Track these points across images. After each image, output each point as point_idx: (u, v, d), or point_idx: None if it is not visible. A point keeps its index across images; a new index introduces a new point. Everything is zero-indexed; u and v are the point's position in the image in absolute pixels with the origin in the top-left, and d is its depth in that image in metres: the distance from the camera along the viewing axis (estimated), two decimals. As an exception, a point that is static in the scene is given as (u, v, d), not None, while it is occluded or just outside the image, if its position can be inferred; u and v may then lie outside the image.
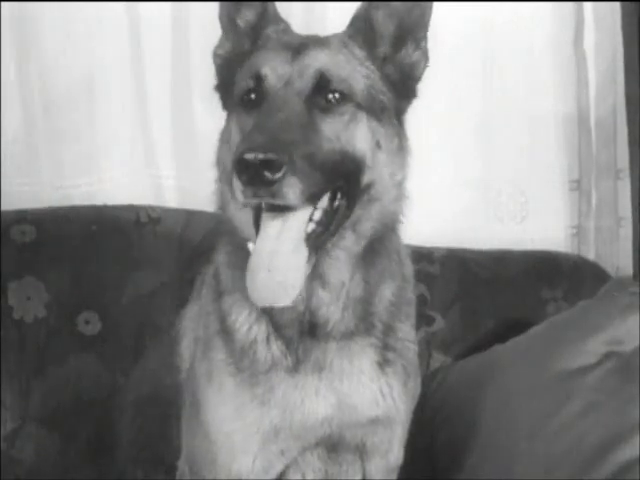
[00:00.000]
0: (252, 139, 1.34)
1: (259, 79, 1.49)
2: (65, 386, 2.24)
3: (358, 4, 1.57)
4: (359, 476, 1.68)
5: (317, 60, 1.48)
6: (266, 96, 1.46)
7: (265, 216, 1.41)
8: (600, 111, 2.79)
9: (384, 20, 1.54)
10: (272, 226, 1.40)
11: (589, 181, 2.82)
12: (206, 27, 2.50)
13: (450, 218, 2.71)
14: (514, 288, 2.51)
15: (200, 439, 1.61)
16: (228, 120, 1.58)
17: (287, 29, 1.63)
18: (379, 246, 1.56)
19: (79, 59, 2.55)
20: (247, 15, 1.64)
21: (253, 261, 1.40)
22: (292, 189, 1.32)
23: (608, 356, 1.88)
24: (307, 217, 1.41)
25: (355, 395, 1.57)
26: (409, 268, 1.69)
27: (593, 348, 1.90)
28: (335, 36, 1.57)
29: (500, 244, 2.65)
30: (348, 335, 1.56)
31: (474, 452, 1.97)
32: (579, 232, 2.83)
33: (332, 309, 1.53)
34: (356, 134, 1.46)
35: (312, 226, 1.42)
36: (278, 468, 1.59)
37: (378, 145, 1.49)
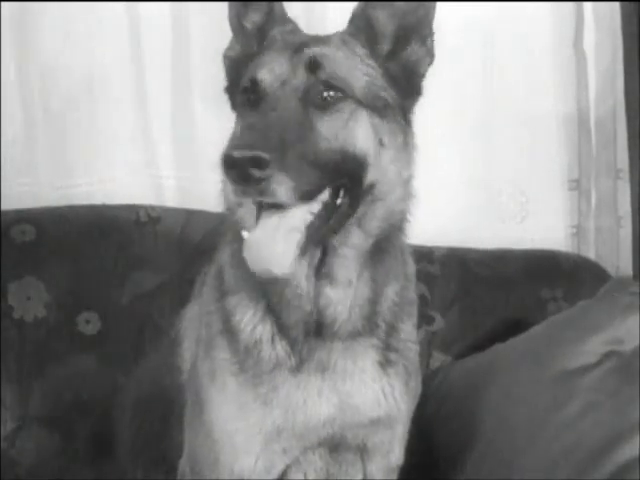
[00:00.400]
0: (241, 137, 1.34)
1: (256, 81, 1.48)
2: (65, 386, 2.24)
3: (356, 3, 1.56)
4: (360, 476, 1.68)
5: (311, 51, 1.47)
6: (264, 96, 1.46)
7: (264, 213, 1.40)
8: (600, 111, 2.79)
9: (384, 19, 1.52)
10: (269, 220, 1.38)
11: (589, 181, 2.82)
12: (206, 27, 2.52)
13: (450, 217, 2.71)
14: (514, 288, 2.51)
15: (202, 438, 1.61)
16: (236, 121, 1.58)
17: (295, 30, 1.62)
18: (386, 245, 1.55)
19: (79, 59, 2.55)
20: (254, 17, 1.63)
21: (249, 240, 1.39)
22: (281, 187, 1.30)
23: (608, 356, 1.88)
24: (305, 214, 1.39)
25: (357, 395, 1.57)
26: (412, 268, 1.69)
27: (593, 348, 1.90)
28: (336, 34, 1.56)
29: (500, 244, 2.65)
30: (353, 335, 1.55)
31: (474, 452, 1.97)
32: (579, 232, 2.83)
33: (340, 308, 1.52)
34: (356, 132, 1.45)
35: (310, 218, 1.40)
36: (280, 468, 1.59)
37: (381, 143, 1.47)
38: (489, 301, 2.48)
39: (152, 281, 2.35)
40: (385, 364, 1.60)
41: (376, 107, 1.48)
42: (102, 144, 2.59)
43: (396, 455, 1.68)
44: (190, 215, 2.44)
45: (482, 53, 2.72)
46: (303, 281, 1.51)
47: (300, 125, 1.39)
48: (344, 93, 1.45)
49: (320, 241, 1.46)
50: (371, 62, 1.51)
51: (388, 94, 1.50)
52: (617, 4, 2.67)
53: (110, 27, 2.54)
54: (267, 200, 1.34)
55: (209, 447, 1.59)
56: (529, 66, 2.74)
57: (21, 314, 2.26)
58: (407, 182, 1.53)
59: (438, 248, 2.54)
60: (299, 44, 1.51)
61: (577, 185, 2.82)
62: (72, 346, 2.28)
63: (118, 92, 2.58)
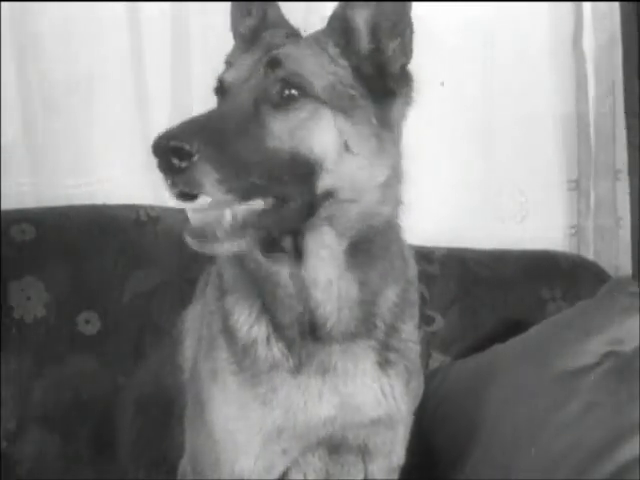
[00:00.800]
0: (172, 128, 1.32)
1: (221, 81, 1.50)
2: (65, 386, 2.24)
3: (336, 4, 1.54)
4: (361, 476, 1.68)
5: (276, 51, 1.46)
6: (226, 95, 1.47)
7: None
8: (599, 111, 2.79)
9: (360, 17, 1.49)
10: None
11: (588, 181, 2.82)
12: (206, 27, 2.52)
13: (450, 218, 2.71)
14: (513, 288, 2.51)
15: (203, 438, 1.61)
16: None
17: (289, 33, 1.61)
18: (371, 247, 1.52)
19: (79, 59, 2.55)
20: (250, 22, 1.64)
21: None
22: (206, 178, 1.29)
23: (608, 356, 1.88)
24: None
25: (358, 396, 1.57)
26: (413, 270, 1.68)
27: (593, 348, 1.90)
28: (312, 34, 1.55)
29: (499, 244, 2.65)
30: (350, 337, 1.55)
31: (474, 452, 1.97)
32: (578, 232, 2.83)
33: (329, 309, 1.52)
34: (315, 133, 1.40)
35: (250, 210, 1.37)
36: (280, 468, 1.60)
37: (346, 147, 1.42)
38: (489, 301, 2.48)
39: (152, 281, 2.35)
40: (385, 364, 1.60)
41: (342, 107, 1.43)
42: (102, 144, 2.59)
43: (397, 455, 1.69)
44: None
45: (482, 53, 2.72)
46: (288, 280, 1.51)
47: (247, 121, 1.37)
48: (304, 91, 1.41)
49: (271, 231, 1.42)
50: (342, 61, 1.48)
51: (358, 93, 1.46)
52: (616, 4, 2.67)
53: (110, 27, 2.54)
54: (193, 191, 1.32)
55: (210, 447, 1.60)
56: (528, 66, 2.74)
57: (21, 314, 2.26)
58: (387, 186, 1.48)
59: (438, 248, 2.54)
60: (273, 46, 1.50)
61: (576, 185, 2.82)
62: (72, 346, 2.28)
63: (118, 92, 2.58)
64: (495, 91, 2.74)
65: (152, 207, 2.45)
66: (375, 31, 1.49)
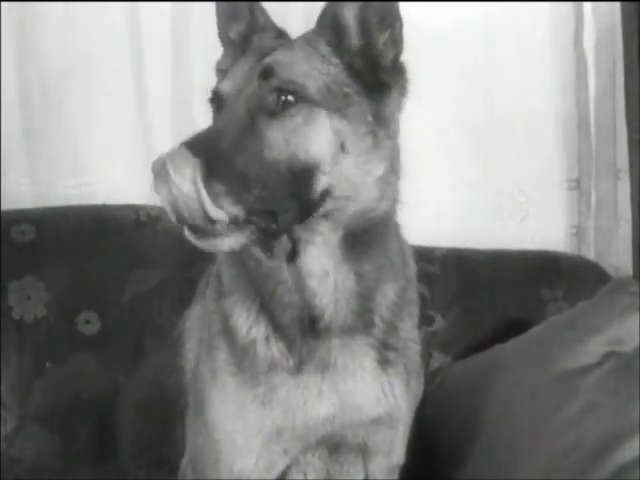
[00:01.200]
0: (172, 148, 1.32)
1: (217, 91, 1.50)
2: (65, 386, 2.24)
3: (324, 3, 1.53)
4: (361, 476, 1.68)
5: (269, 59, 1.45)
6: (222, 106, 1.47)
7: None
8: (600, 111, 2.79)
9: (349, 12, 1.48)
10: None
11: (589, 181, 2.82)
12: (206, 27, 2.51)
13: (450, 218, 2.71)
14: (514, 288, 2.51)
15: (203, 438, 1.62)
16: None
17: (278, 35, 1.62)
18: (367, 240, 1.52)
19: (79, 59, 2.55)
20: (238, 27, 1.63)
21: None
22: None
23: (608, 356, 1.87)
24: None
25: (357, 394, 1.57)
26: (412, 269, 1.69)
27: (593, 348, 1.90)
28: (303, 35, 1.54)
29: (500, 244, 2.64)
30: (349, 332, 1.55)
31: (474, 452, 1.97)
32: (579, 232, 2.83)
33: (325, 300, 1.52)
34: (312, 135, 1.40)
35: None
36: (280, 468, 1.60)
37: (343, 148, 1.42)
38: (489, 301, 2.48)
39: (152, 281, 2.35)
40: (384, 363, 1.60)
41: (337, 107, 1.43)
42: (102, 144, 2.59)
43: (397, 454, 1.69)
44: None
45: (482, 52, 2.72)
46: (287, 274, 1.51)
47: (244, 135, 1.37)
48: (298, 96, 1.40)
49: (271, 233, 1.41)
50: (334, 59, 1.48)
51: (352, 90, 1.46)
52: (617, 4, 2.67)
53: (110, 27, 2.54)
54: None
55: (210, 447, 1.60)
56: (529, 66, 2.74)
57: (21, 314, 2.26)
58: (384, 181, 1.48)
59: (438, 248, 2.54)
60: (266, 50, 1.50)
61: (577, 185, 2.82)
62: (72, 346, 2.28)
63: (118, 92, 2.58)
64: (495, 90, 2.74)
65: (152, 207, 2.45)
66: (365, 26, 1.48)
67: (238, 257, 1.58)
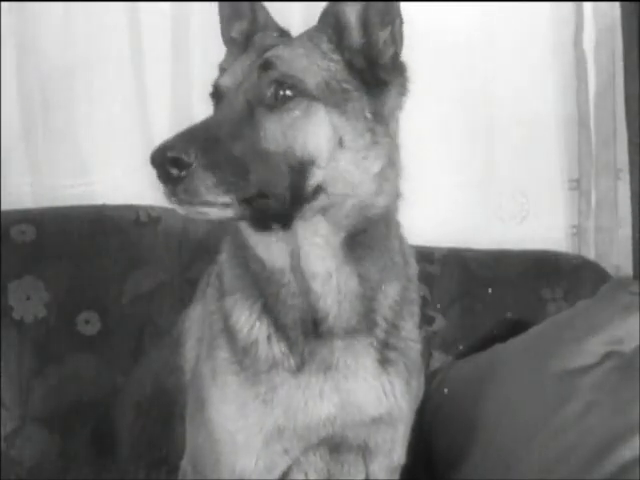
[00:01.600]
0: (170, 138, 1.34)
1: (217, 86, 1.51)
2: (65, 386, 2.24)
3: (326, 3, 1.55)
4: (362, 476, 1.68)
5: (269, 53, 1.47)
6: (221, 100, 1.48)
7: None
8: (600, 111, 2.79)
9: (350, 9, 1.49)
10: None
11: (589, 181, 2.82)
12: (206, 27, 2.52)
13: (450, 218, 2.71)
14: (514, 288, 2.51)
15: (204, 438, 1.61)
16: None
17: (281, 35, 1.62)
18: (369, 240, 1.52)
19: (79, 59, 2.55)
20: (240, 26, 1.65)
21: None
22: (203, 185, 1.30)
23: (608, 356, 1.88)
24: None
25: (358, 394, 1.57)
26: (414, 269, 1.69)
27: (593, 348, 1.90)
28: (305, 32, 1.55)
29: (500, 244, 2.65)
30: (351, 332, 1.55)
31: (474, 452, 1.97)
32: (579, 232, 2.83)
33: (329, 302, 1.52)
34: (309, 130, 1.41)
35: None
36: (281, 468, 1.59)
37: (341, 143, 1.43)
38: (489, 301, 2.48)
39: (152, 281, 2.35)
40: (385, 362, 1.60)
41: (336, 102, 1.44)
42: (102, 144, 2.59)
43: (398, 454, 1.68)
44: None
45: (481, 53, 2.72)
46: (290, 275, 1.51)
47: (242, 125, 1.39)
48: (296, 90, 1.42)
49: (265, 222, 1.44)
50: (335, 56, 1.48)
51: (352, 87, 1.47)
52: (617, 4, 2.67)
53: (110, 27, 2.54)
54: (195, 200, 1.33)
55: (210, 446, 1.60)
56: (529, 66, 2.74)
57: (21, 314, 2.26)
58: (382, 177, 1.48)
59: (438, 248, 2.54)
60: (267, 47, 1.51)
61: (577, 185, 2.82)
62: (72, 346, 2.27)
63: (118, 92, 2.58)
64: (496, 91, 2.74)
65: (152, 207, 2.45)
66: (366, 24, 1.49)
67: (240, 258, 1.59)
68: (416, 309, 1.69)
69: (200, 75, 2.53)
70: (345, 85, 1.46)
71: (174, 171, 1.30)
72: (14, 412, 2.21)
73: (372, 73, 1.49)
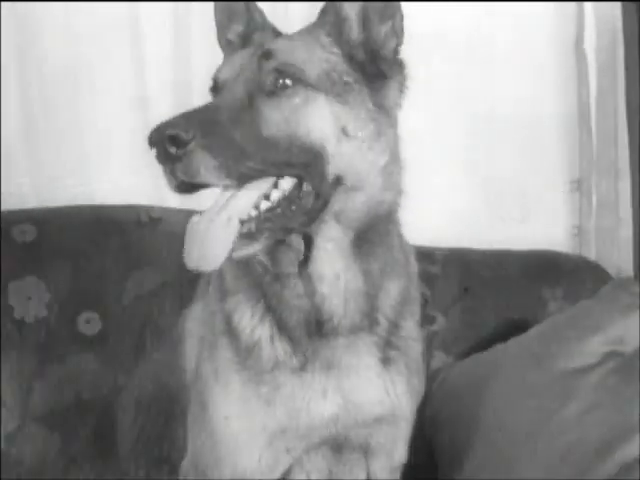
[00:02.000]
0: (168, 119, 1.35)
1: (216, 79, 1.52)
2: (65, 386, 2.25)
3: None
4: (363, 475, 1.68)
5: (269, 44, 1.49)
6: (220, 91, 1.49)
7: (217, 199, 1.41)
8: (601, 111, 2.79)
9: (351, 8, 1.51)
10: (214, 206, 1.40)
11: (589, 181, 2.82)
12: (206, 27, 2.51)
13: (451, 218, 2.71)
14: (515, 288, 2.51)
15: (206, 437, 1.62)
16: None
17: (277, 35, 1.64)
18: (374, 236, 1.53)
19: (80, 60, 2.56)
20: (237, 28, 1.66)
21: (189, 229, 1.40)
22: (204, 165, 1.31)
23: (609, 356, 1.87)
24: (252, 197, 1.39)
25: (360, 393, 1.58)
26: (414, 268, 1.70)
27: (594, 348, 1.90)
28: (304, 27, 1.57)
29: (501, 244, 2.65)
30: (354, 331, 1.56)
31: (475, 452, 1.96)
32: (580, 232, 2.83)
33: (335, 303, 1.53)
34: (310, 118, 1.43)
35: (267, 204, 1.40)
36: (283, 467, 1.60)
37: (345, 131, 1.44)
38: (490, 301, 2.48)
39: (153, 281, 2.36)
40: (386, 361, 1.61)
41: (337, 93, 1.45)
42: (102, 144, 2.59)
43: (399, 453, 1.69)
44: (191, 216, 2.44)
45: (482, 53, 2.72)
46: (297, 279, 1.52)
47: (242, 111, 1.39)
48: (296, 79, 1.43)
49: (286, 232, 1.45)
50: (335, 49, 1.50)
51: (352, 79, 1.48)
52: (618, 4, 2.67)
53: (111, 27, 2.54)
54: (194, 180, 1.34)
55: (212, 446, 1.60)
56: (530, 66, 2.74)
57: (22, 314, 2.26)
58: (387, 172, 1.50)
59: (439, 249, 2.54)
60: (265, 41, 1.53)
61: (578, 185, 2.82)
62: (72, 346, 2.28)
63: (118, 92, 2.58)
64: (497, 91, 2.74)
65: (153, 208, 2.46)
66: (366, 19, 1.51)
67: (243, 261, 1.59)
68: (417, 308, 1.69)
69: (200, 76, 2.52)
70: (346, 77, 1.48)
71: (172, 149, 1.30)
72: (15, 412, 2.22)
73: (373, 66, 1.51)
